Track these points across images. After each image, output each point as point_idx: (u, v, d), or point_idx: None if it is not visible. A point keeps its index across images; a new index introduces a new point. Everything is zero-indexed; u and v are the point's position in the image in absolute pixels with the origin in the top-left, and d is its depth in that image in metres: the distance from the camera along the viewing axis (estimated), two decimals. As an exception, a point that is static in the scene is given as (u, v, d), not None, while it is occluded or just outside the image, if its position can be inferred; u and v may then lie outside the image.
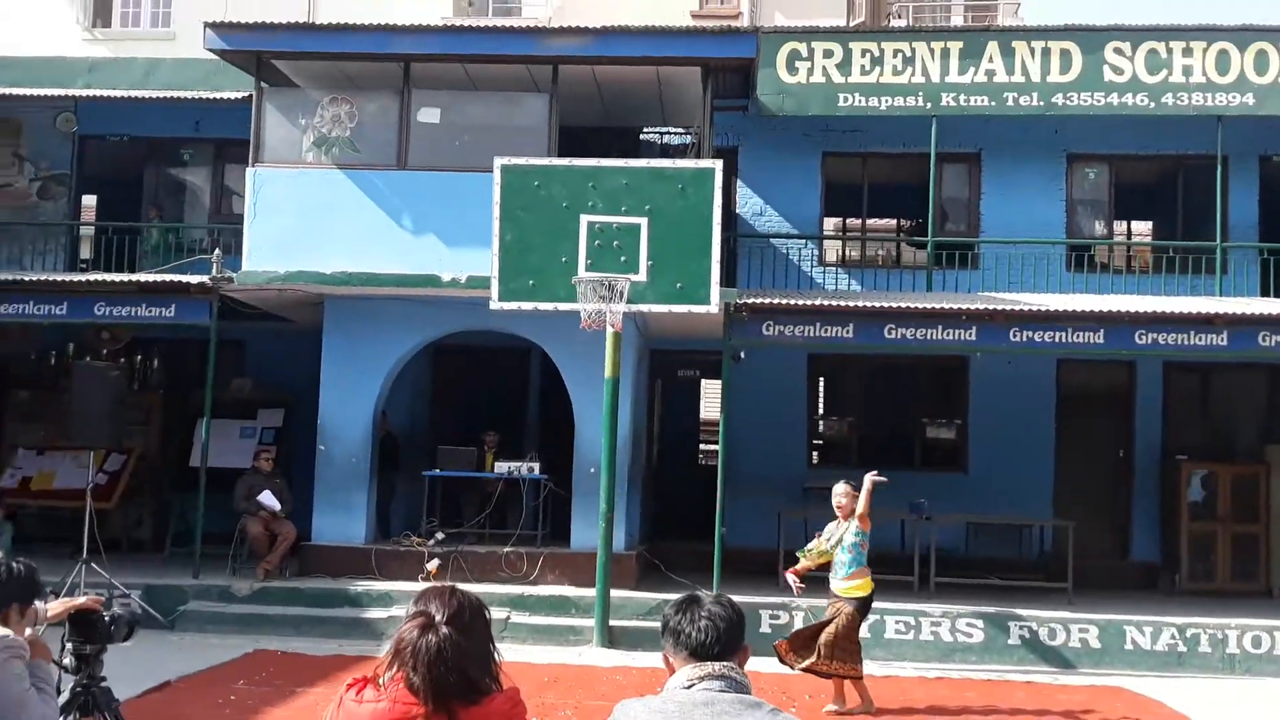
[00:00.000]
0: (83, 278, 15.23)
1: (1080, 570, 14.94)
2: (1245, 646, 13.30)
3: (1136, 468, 17.49)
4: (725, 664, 3.43)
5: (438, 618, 3.29)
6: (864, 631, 13.49)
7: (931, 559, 14.73)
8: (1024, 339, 14.17)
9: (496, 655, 3.42)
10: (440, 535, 15.02)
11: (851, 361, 17.66)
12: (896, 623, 13.44)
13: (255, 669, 11.47)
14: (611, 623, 13.13)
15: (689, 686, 3.41)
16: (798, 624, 13.56)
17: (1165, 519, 16.86)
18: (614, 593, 13.26)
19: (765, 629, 13.37)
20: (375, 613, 13.65)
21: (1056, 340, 14.19)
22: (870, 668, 12.52)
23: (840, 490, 10.54)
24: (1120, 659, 13.25)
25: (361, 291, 14.68)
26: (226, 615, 13.60)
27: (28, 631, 3.91)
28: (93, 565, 12.64)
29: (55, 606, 4.21)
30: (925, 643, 13.37)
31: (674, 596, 3.67)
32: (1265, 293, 16.36)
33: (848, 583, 10.46)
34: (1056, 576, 15.02)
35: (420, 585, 14.06)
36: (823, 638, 10.36)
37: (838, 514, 10.51)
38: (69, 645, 4.19)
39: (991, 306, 14.36)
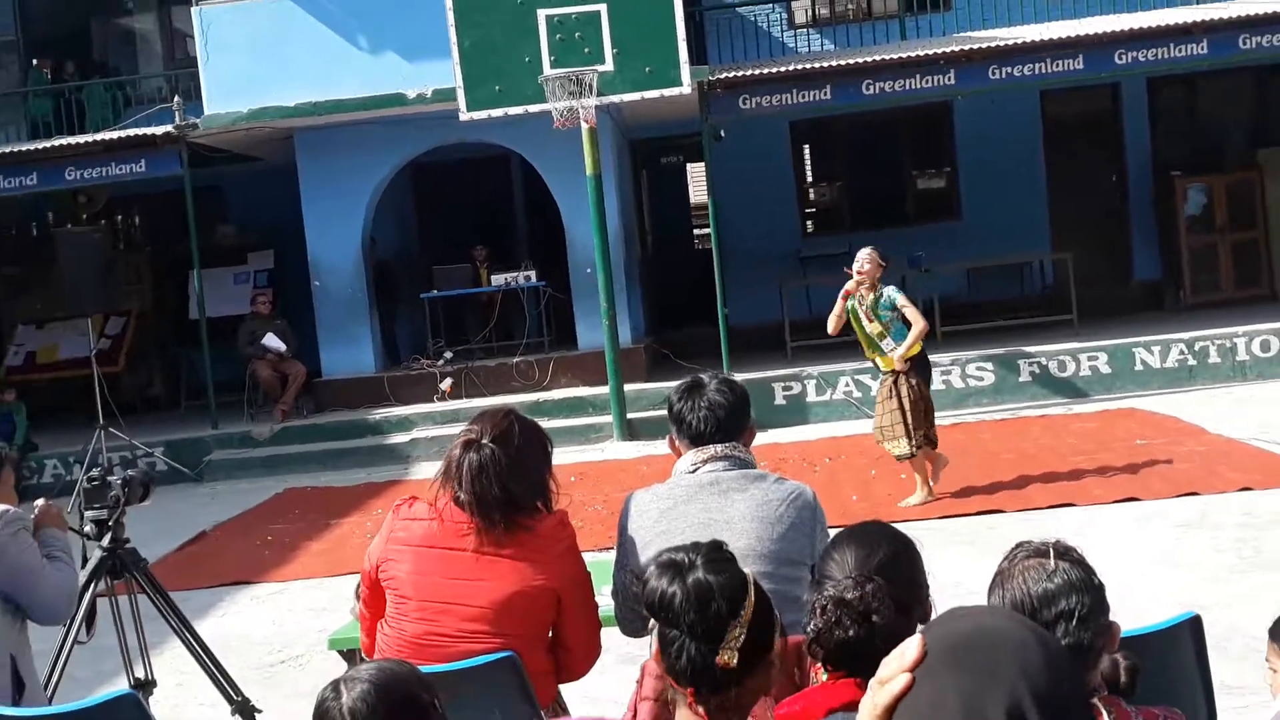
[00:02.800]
0: (47, 144, 14.93)
1: (1084, 299, 14.97)
2: (1255, 352, 13.38)
3: (1131, 189, 17.38)
4: (727, 445, 3.46)
5: (484, 437, 3.35)
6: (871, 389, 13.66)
7: (935, 310, 14.65)
8: (1004, 75, 13.88)
9: (552, 483, 3.47)
10: (448, 354, 15.10)
11: (834, 124, 17.39)
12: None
13: (288, 507, 11.69)
14: (629, 415, 13.28)
15: (693, 471, 3.45)
16: (811, 393, 13.71)
17: (1164, 236, 16.82)
18: (627, 387, 13.38)
19: (780, 401, 13.52)
20: (397, 438, 13.82)
21: (1036, 72, 13.89)
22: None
23: (865, 255, 8.94)
24: (1131, 381, 13.37)
25: (329, 120, 14.40)
26: (251, 460, 13.79)
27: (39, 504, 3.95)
28: (111, 430, 12.74)
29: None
30: (937, 392, 13.40)
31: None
32: (1244, -6, 15.94)
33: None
34: (1061, 309, 15.07)
35: (437, 405, 14.24)
36: (910, 420, 9.15)
37: (858, 278, 8.90)
38: (86, 514, 4.24)
39: (967, 46, 14.05)
